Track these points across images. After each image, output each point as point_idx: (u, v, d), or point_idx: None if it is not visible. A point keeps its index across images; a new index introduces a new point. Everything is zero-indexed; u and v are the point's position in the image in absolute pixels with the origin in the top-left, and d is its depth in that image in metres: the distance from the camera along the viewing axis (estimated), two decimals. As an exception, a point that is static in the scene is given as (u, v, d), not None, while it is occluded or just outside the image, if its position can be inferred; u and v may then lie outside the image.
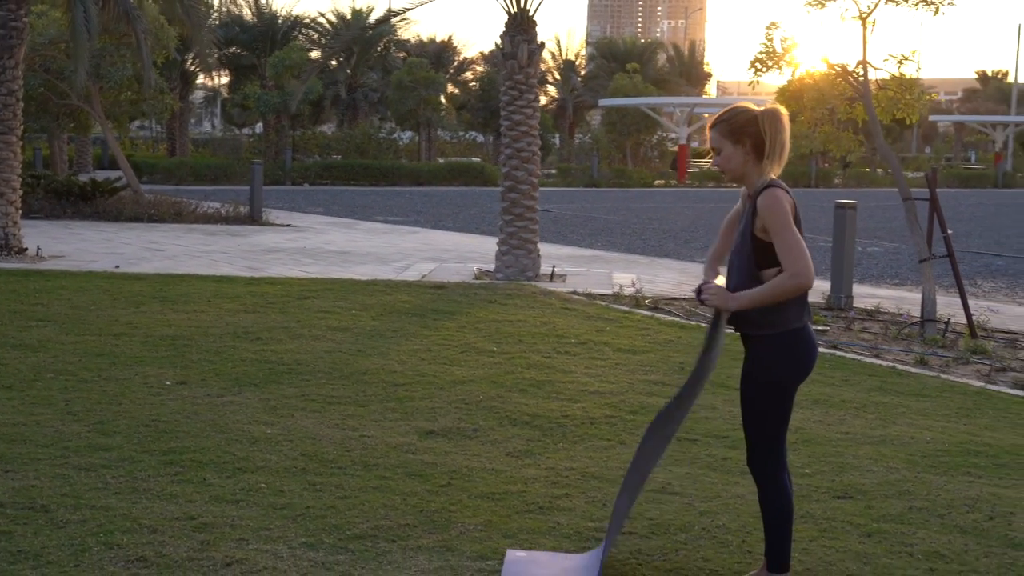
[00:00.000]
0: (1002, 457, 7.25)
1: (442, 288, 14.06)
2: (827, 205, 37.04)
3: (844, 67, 12.84)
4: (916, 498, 6.31)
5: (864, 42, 12.53)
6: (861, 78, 12.65)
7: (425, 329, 11.20)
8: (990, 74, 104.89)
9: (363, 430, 7.30)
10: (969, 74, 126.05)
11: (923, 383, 9.62)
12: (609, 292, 14.45)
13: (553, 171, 54.78)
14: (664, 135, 66.52)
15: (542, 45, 15.75)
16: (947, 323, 12.22)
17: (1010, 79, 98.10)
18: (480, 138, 72.87)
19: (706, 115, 66.74)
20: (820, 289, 15.01)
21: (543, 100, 66.89)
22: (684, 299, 14.13)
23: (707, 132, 4.85)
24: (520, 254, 15.72)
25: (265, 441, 6.94)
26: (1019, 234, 28.71)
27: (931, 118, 79.70)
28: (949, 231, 12.28)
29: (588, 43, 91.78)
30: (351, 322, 11.41)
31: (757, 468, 4.76)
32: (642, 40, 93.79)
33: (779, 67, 12.76)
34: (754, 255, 4.60)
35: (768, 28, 12.86)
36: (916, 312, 13.27)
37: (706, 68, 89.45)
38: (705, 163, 69.76)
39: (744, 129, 4.67)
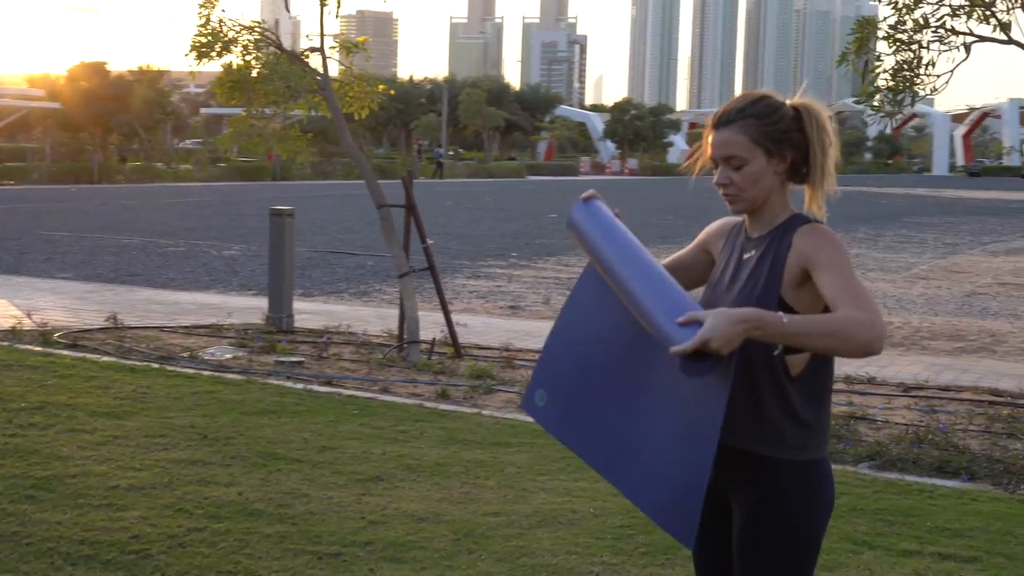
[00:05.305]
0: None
1: None
2: (136, 203, 34.42)
3: (295, 52, 11.09)
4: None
5: (321, 24, 10.86)
6: (318, 65, 10.96)
7: None
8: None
9: None
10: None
11: (482, 425, 8.23)
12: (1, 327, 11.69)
13: None
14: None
15: None
16: (433, 343, 10.89)
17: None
18: None
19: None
20: (259, 307, 13.17)
21: None
22: (98, 329, 11.68)
23: (708, 132, 2.95)
24: None
25: None
26: (347, 229, 28.02)
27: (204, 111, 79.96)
28: (430, 240, 10.98)
29: None
30: None
31: None
32: None
33: (226, 52, 10.71)
34: None
35: (203, 6, 10.76)
36: (372, 330, 11.95)
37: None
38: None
39: (788, 135, 2.91)
